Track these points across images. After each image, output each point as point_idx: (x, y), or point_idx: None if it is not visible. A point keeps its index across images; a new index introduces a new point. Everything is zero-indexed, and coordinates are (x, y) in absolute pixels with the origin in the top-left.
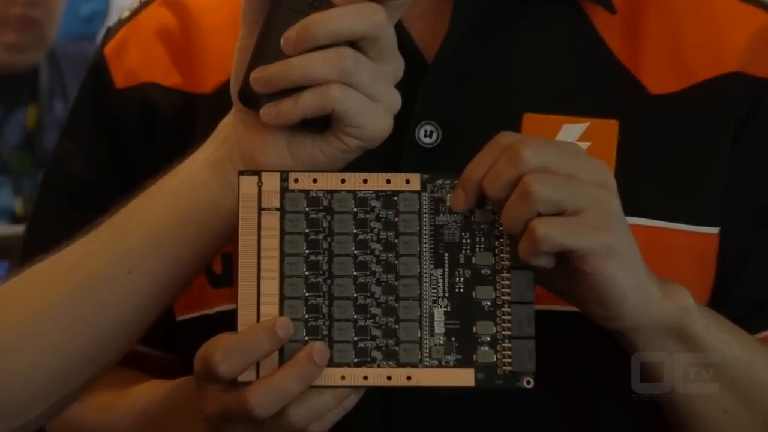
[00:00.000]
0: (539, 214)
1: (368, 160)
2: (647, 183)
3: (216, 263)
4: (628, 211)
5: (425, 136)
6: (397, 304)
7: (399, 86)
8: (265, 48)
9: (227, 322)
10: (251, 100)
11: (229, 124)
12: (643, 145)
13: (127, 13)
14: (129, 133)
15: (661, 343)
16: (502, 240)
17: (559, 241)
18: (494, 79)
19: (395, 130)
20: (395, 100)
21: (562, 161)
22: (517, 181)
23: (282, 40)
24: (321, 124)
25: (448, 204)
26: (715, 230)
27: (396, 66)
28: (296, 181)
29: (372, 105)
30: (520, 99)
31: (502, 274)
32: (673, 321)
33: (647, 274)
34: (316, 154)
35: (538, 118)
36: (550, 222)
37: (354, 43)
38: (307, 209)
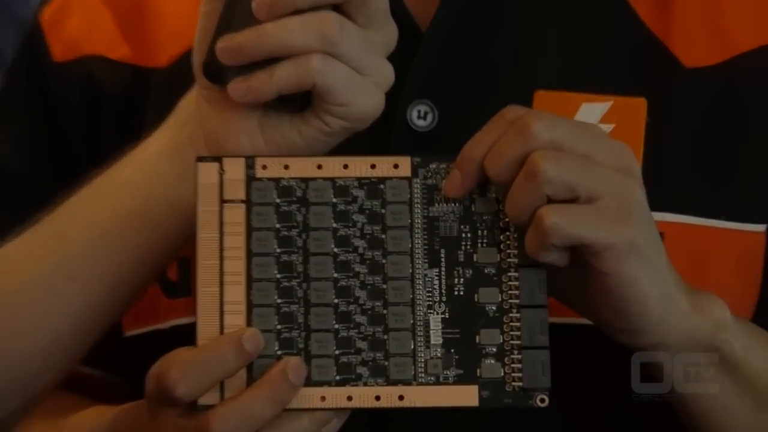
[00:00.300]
0: (549, 201)
1: (350, 147)
2: (680, 172)
3: (171, 269)
4: (657, 205)
5: (419, 117)
6: (385, 311)
7: (389, 59)
8: (235, 12)
9: (185, 337)
10: (218, 73)
11: (190, 103)
12: (676, 127)
13: None
14: (69, 115)
15: None
16: (508, 233)
17: (571, 232)
18: (500, 51)
19: (383, 111)
20: (387, 74)
21: (578, 139)
22: (525, 160)
23: (254, 3)
24: (300, 102)
25: (443, 191)
26: (761, 227)
27: (388, 34)
28: (264, 167)
29: (360, 79)
30: (531, 74)
31: (509, 274)
32: (704, 338)
33: (675, 281)
34: (293, 137)
35: (552, 96)
36: (560, 209)
37: (339, 7)
38: (278, 201)
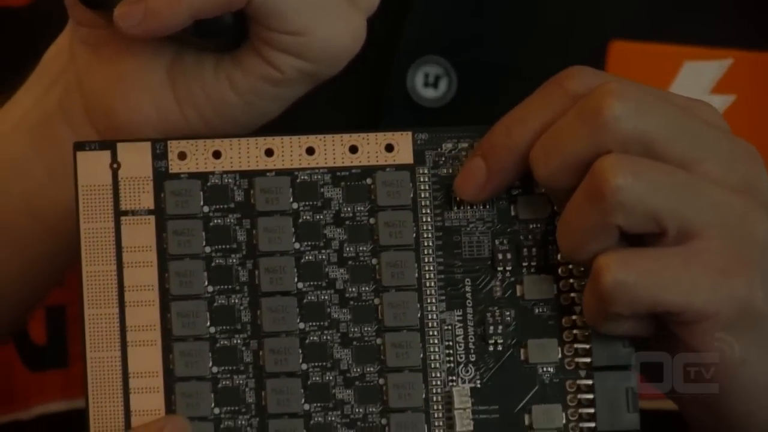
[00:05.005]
0: (621, 236)
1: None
2: None
3: (35, 326)
4: None
5: (426, 85)
6: (382, 381)
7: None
8: None
9: None
10: None
11: (61, 51)
12: None
13: None
14: None
15: None
16: None
17: (649, 297)
18: None
19: (371, 74)
20: None
21: (680, 134)
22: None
23: None
24: (229, 34)
25: (455, 190)
26: None
27: None
28: (183, 156)
29: None
30: (604, 15)
31: (574, 316)
32: None
33: None
34: (222, 92)
35: (637, 49)
36: (630, 260)
37: None
38: (207, 209)
